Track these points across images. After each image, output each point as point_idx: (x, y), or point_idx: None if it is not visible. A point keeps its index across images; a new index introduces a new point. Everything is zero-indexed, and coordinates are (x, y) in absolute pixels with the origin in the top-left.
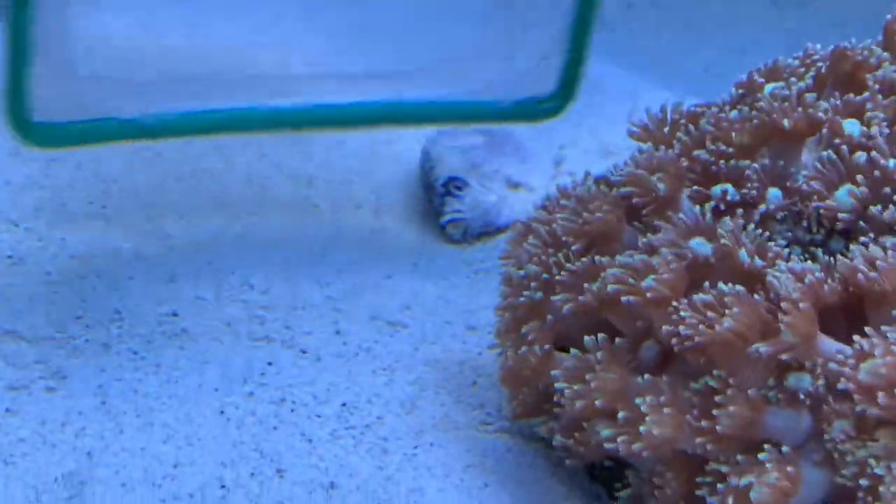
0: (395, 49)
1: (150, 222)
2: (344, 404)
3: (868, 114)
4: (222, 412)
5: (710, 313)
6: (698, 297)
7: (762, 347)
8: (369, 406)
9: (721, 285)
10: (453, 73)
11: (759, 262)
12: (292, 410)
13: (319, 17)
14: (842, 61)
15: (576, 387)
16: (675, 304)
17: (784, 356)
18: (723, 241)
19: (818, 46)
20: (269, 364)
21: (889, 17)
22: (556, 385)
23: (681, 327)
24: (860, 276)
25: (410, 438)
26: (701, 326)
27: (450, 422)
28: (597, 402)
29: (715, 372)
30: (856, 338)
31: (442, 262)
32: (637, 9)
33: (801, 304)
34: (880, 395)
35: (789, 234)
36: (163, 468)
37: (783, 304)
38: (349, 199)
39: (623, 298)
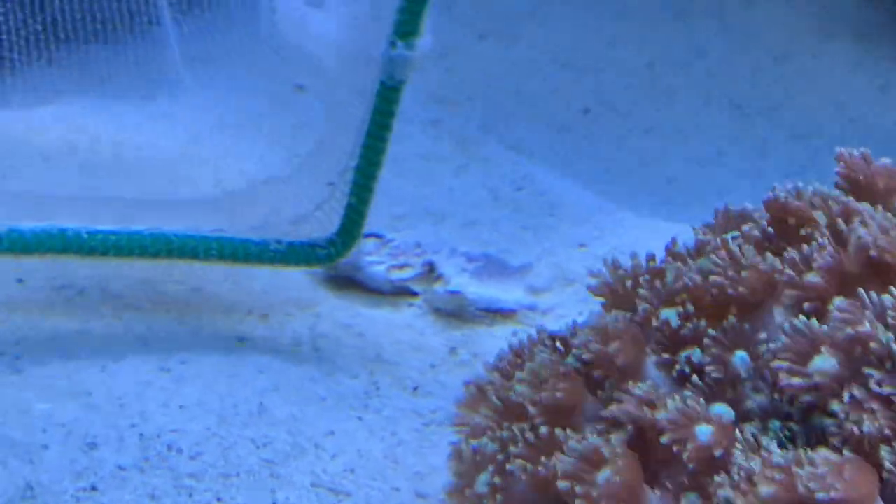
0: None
1: (69, 377)
2: None
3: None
4: None
5: None
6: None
7: None
8: None
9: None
10: (232, 207)
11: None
12: None
13: None
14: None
15: None
16: None
17: None
18: (669, 417)
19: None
20: None
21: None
22: None
23: None
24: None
25: None
26: None
27: None
28: None
29: None
30: None
31: None
32: (594, 114)
33: None
34: None
35: (766, 403)
36: None
37: None
38: None
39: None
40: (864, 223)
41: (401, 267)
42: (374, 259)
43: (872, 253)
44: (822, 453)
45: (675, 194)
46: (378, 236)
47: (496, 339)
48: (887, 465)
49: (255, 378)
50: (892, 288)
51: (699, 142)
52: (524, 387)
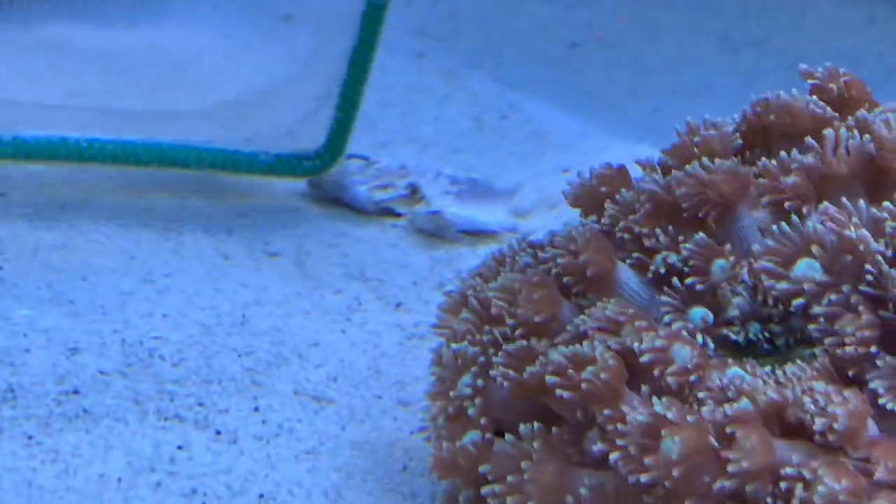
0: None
1: (51, 287)
2: (262, 496)
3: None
4: None
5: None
6: (638, 416)
7: (724, 483)
8: (290, 497)
9: (661, 403)
10: (223, 119)
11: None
12: None
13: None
14: (777, 114)
15: (509, 478)
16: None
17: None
18: (657, 342)
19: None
20: (180, 448)
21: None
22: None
23: (621, 455)
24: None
25: None
26: (647, 459)
27: None
28: (530, 501)
29: None
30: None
31: None
32: (582, 48)
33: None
34: None
35: (746, 307)
36: None
37: (735, 431)
38: None
39: (558, 392)
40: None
41: (384, 187)
42: (358, 179)
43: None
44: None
45: (660, 124)
46: (363, 158)
47: (478, 259)
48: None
49: (238, 291)
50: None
51: (686, 74)
52: (504, 294)
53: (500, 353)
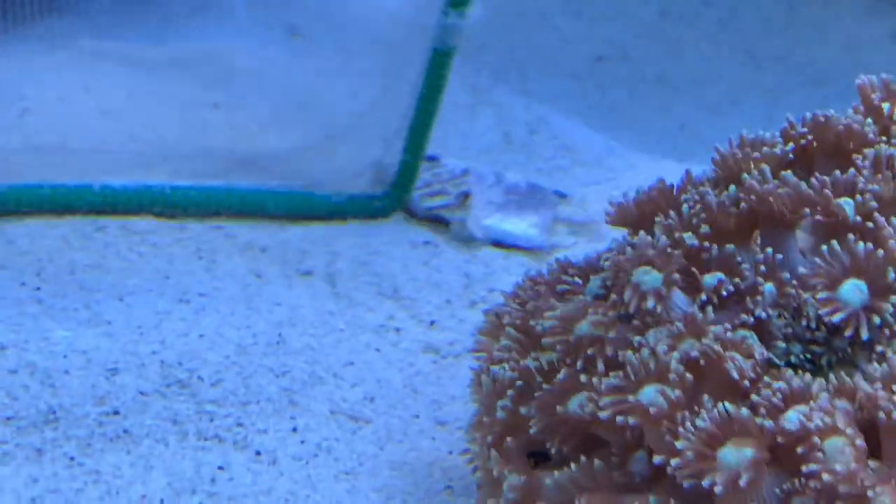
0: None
1: (88, 308)
2: None
3: (862, 192)
4: None
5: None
6: (698, 422)
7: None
8: None
9: (724, 407)
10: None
11: (747, 374)
12: None
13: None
14: (825, 132)
15: None
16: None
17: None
18: (711, 348)
19: (804, 117)
20: (220, 469)
21: (860, 79)
22: None
23: (678, 461)
24: (881, 414)
25: None
26: (702, 464)
27: None
28: None
29: None
30: None
31: None
32: (607, 62)
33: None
34: None
35: (789, 329)
36: None
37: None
38: None
39: (619, 419)
40: None
41: (436, 195)
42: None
43: None
44: None
45: (687, 140)
46: (431, 158)
47: (512, 276)
48: None
49: (273, 310)
50: None
51: (711, 90)
52: (554, 319)
53: (541, 389)
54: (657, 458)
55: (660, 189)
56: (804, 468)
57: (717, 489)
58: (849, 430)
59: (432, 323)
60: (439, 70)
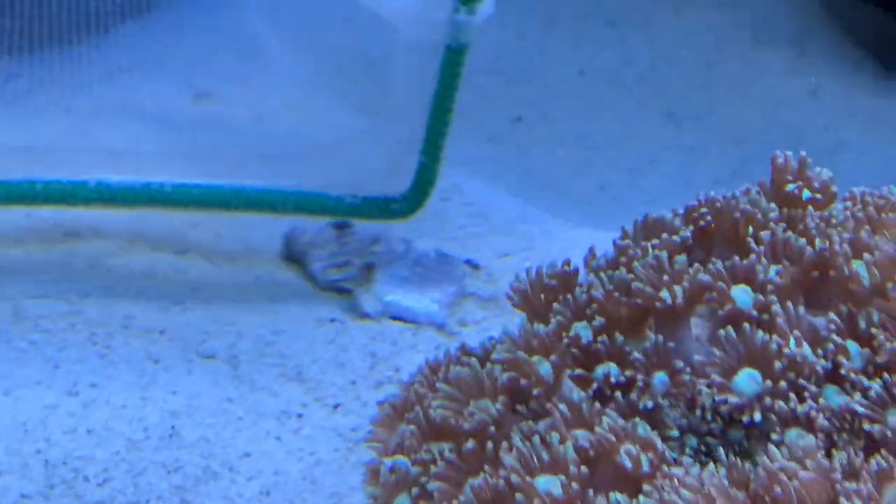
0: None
1: None
2: None
3: (760, 279)
4: None
5: None
6: None
7: None
8: None
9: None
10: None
11: (644, 465)
12: None
13: None
14: (723, 215)
15: None
16: None
17: None
18: (601, 438)
19: (703, 196)
20: None
21: (777, 155)
22: None
23: None
24: (777, 488)
25: None
26: None
27: None
28: None
29: None
30: None
31: None
32: (526, 123)
33: None
34: None
35: (683, 420)
36: None
37: None
38: None
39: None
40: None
41: (340, 267)
42: (319, 254)
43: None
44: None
45: (606, 202)
46: (342, 225)
47: (419, 354)
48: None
49: (168, 400)
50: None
51: (631, 149)
52: (448, 402)
53: (440, 462)
54: None
55: (561, 275)
56: None
57: None
58: None
59: (336, 406)
60: (452, 67)
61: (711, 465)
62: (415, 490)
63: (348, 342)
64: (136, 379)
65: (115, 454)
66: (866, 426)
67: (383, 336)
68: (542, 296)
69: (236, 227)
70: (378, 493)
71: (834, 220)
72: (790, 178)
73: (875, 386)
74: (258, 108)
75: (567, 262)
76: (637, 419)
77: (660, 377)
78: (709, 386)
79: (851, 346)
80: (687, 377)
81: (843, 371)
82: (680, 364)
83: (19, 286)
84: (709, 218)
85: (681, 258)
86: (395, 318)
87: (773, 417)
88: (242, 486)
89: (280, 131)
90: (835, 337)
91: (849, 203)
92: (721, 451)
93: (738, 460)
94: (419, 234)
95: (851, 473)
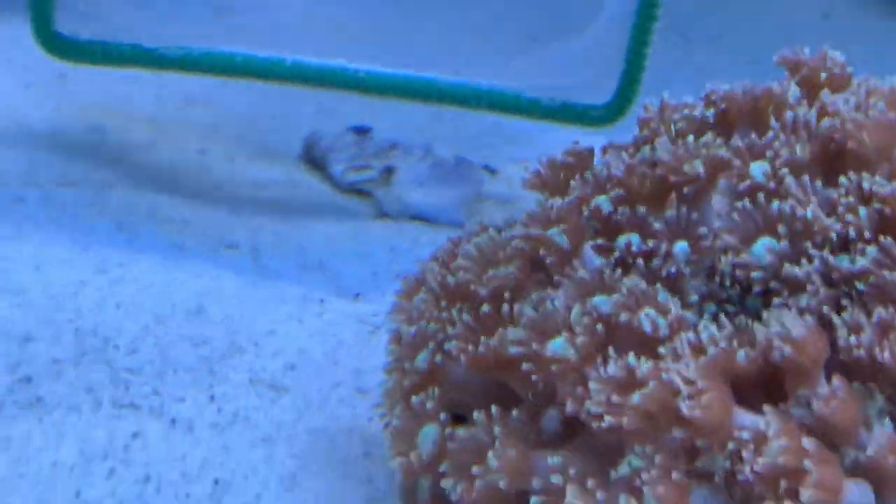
0: None
1: (4, 276)
2: (217, 482)
3: (779, 154)
4: (78, 494)
5: (615, 397)
6: (607, 371)
7: (676, 433)
8: (245, 483)
9: (630, 359)
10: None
11: (662, 328)
12: (158, 490)
13: None
14: (744, 97)
15: (474, 469)
16: (580, 375)
17: (698, 441)
18: (622, 301)
19: (723, 87)
20: (135, 436)
21: (783, 52)
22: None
23: (588, 404)
24: (775, 351)
25: None
26: (610, 405)
27: (334, 500)
28: (500, 484)
29: (637, 448)
30: (755, 418)
31: None
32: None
33: (705, 388)
34: (782, 482)
35: (704, 288)
36: None
37: (687, 389)
38: None
39: (524, 366)
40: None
41: (360, 168)
42: (339, 157)
43: (838, 135)
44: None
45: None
46: (363, 130)
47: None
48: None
49: (193, 281)
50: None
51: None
52: (470, 264)
53: (458, 324)
54: (569, 407)
55: (577, 153)
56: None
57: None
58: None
59: (357, 295)
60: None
61: (725, 328)
62: (432, 346)
63: (369, 238)
64: (161, 261)
65: (144, 328)
66: (871, 280)
67: (403, 233)
68: (560, 174)
69: (257, 130)
70: (400, 353)
71: (852, 99)
72: (806, 62)
73: (881, 244)
74: None
75: (576, 143)
76: (658, 285)
77: (681, 246)
78: (727, 253)
79: (862, 211)
80: (707, 243)
81: (853, 235)
82: (702, 231)
83: (47, 173)
84: (730, 100)
85: (707, 136)
86: (414, 217)
87: (788, 283)
88: (267, 361)
89: None
90: (847, 201)
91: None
92: (742, 318)
93: (753, 323)
94: (437, 143)
95: (854, 330)
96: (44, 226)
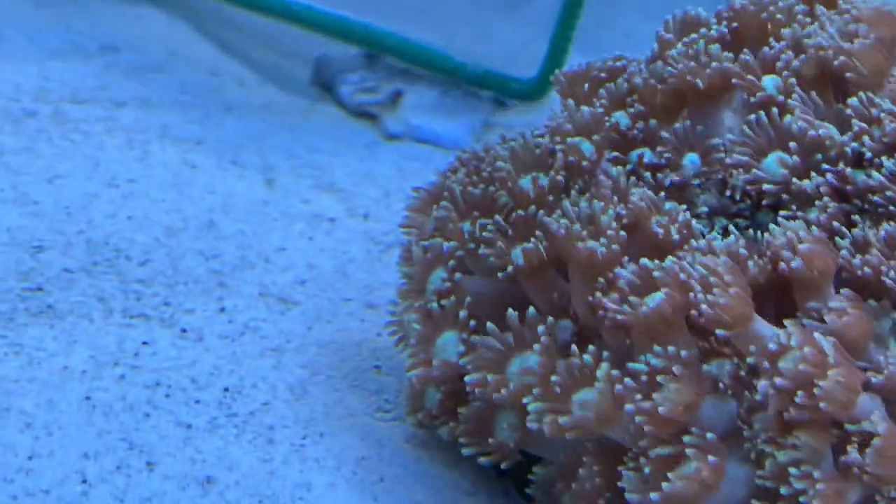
0: None
1: (15, 188)
2: (226, 389)
3: (783, 70)
4: (88, 398)
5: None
6: (624, 272)
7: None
8: (254, 391)
9: (644, 261)
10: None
11: (673, 234)
12: (167, 396)
13: None
14: (753, 14)
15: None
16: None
17: (719, 331)
18: (634, 209)
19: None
20: (144, 344)
21: None
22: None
23: (606, 301)
24: (783, 264)
25: (299, 427)
26: (625, 306)
27: (343, 409)
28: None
29: (656, 349)
30: (775, 330)
31: None
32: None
33: (731, 284)
34: (799, 394)
35: (714, 202)
36: (17, 461)
37: (714, 284)
38: None
39: (579, 245)
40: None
41: (368, 91)
42: (348, 78)
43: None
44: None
45: (631, 48)
46: (372, 55)
47: None
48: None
49: (205, 198)
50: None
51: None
52: (504, 174)
53: (489, 228)
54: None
55: (609, 68)
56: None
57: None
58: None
59: (367, 215)
60: None
61: (732, 237)
62: (451, 263)
63: (379, 159)
64: (173, 178)
65: (155, 240)
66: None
67: (413, 155)
68: (587, 84)
69: (269, 53)
70: (412, 272)
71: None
72: None
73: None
74: None
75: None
76: (662, 194)
77: (690, 157)
78: (739, 167)
79: (876, 130)
80: (720, 155)
81: (865, 151)
82: (712, 142)
83: (59, 90)
84: (739, 20)
85: (714, 47)
86: (420, 140)
87: (799, 197)
88: (277, 275)
89: None
90: (857, 122)
91: None
92: (751, 231)
93: (763, 235)
94: None
95: (862, 247)
96: (56, 141)
